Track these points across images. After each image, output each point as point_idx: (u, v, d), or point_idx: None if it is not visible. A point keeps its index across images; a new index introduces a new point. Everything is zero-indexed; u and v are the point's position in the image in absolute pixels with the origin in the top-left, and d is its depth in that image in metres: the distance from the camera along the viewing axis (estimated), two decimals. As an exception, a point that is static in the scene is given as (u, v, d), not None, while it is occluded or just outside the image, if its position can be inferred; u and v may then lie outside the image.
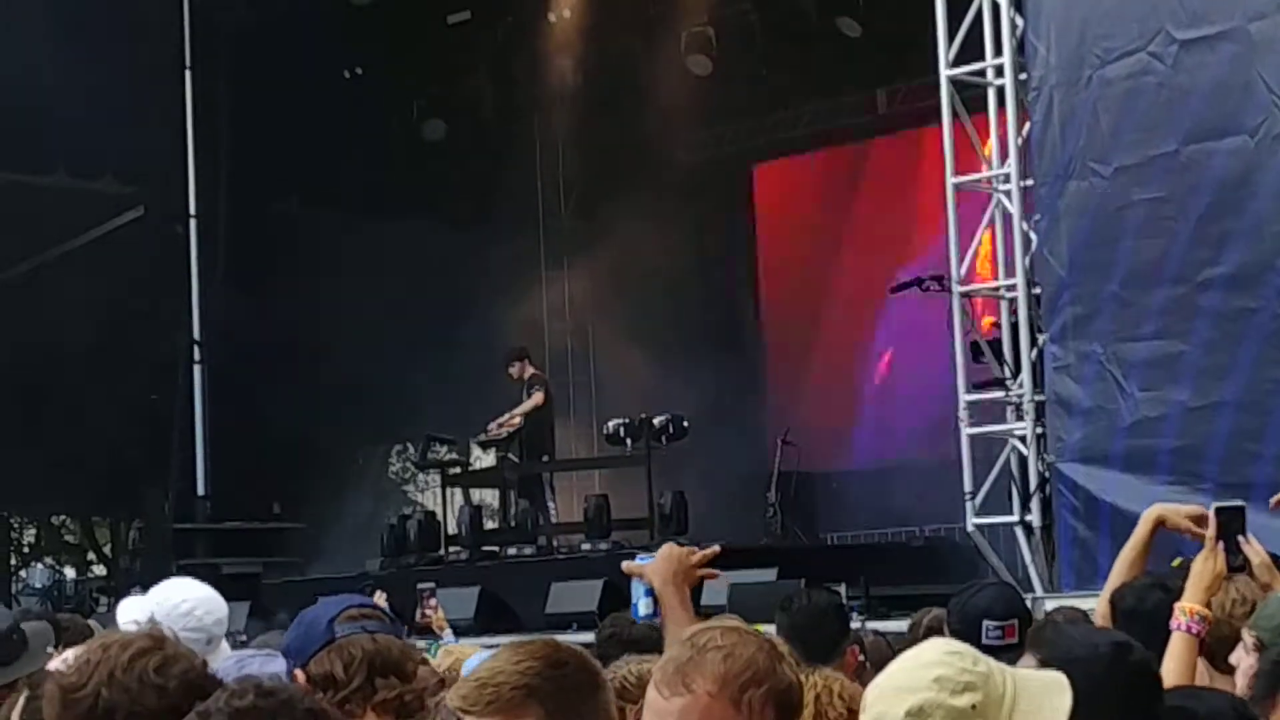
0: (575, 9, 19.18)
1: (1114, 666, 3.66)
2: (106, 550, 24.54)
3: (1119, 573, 5.45)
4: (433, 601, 8.99)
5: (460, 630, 10.72)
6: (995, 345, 12.34)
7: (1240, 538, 4.94)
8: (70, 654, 3.44)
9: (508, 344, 18.05)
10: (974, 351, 12.42)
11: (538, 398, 16.58)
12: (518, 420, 16.60)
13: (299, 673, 3.64)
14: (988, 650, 4.88)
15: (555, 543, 15.96)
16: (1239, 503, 5.06)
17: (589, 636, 7.86)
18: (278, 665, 4.45)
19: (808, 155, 20.08)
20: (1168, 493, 9.95)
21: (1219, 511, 4.98)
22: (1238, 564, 4.93)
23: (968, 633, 5.03)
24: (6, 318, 17.91)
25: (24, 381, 17.90)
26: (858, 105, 19.31)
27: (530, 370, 16.90)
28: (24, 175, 18.37)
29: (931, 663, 2.54)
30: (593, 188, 20.24)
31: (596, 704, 2.97)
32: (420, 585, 9.25)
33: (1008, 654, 4.89)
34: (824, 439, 17.91)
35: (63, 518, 25.46)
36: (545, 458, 16.82)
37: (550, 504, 16.72)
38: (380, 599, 9.36)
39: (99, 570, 24.30)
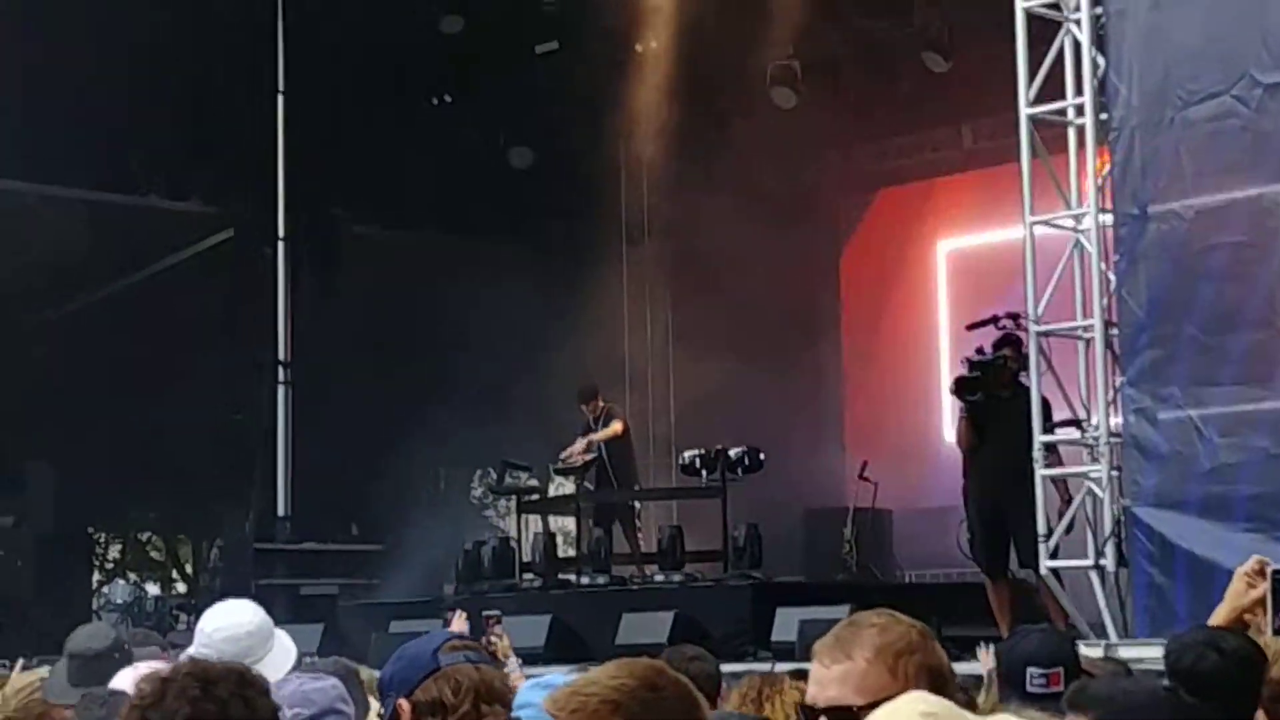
0: (662, 40, 19.24)
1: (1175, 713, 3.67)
2: (188, 568, 24.77)
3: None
4: (498, 629, 9.02)
5: (530, 658, 10.74)
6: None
7: None
8: (142, 671, 3.44)
9: (590, 371, 18.12)
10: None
11: (616, 426, 16.62)
12: (592, 450, 16.66)
13: (403, 703, 3.69)
14: (1031, 698, 4.87)
15: (629, 573, 15.97)
16: None
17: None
18: (324, 684, 4.51)
19: (892, 189, 20.05)
20: (1245, 540, 9.84)
21: (1275, 575, 4.93)
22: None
23: (1012, 679, 5.01)
24: (98, 336, 18.15)
25: (113, 399, 18.12)
26: (942, 140, 19.26)
27: (603, 404, 16.96)
28: (118, 196, 18.63)
29: None
30: (676, 217, 20.26)
31: None
32: (486, 612, 9.29)
33: (1052, 702, 4.87)
34: (902, 475, 17.83)
35: (147, 535, 25.73)
36: (636, 487, 16.90)
37: (639, 535, 16.75)
38: (459, 621, 9.39)
39: (180, 588, 24.53)
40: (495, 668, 3.83)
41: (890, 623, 3.19)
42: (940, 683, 3.11)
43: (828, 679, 3.13)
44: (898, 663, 3.10)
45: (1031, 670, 4.95)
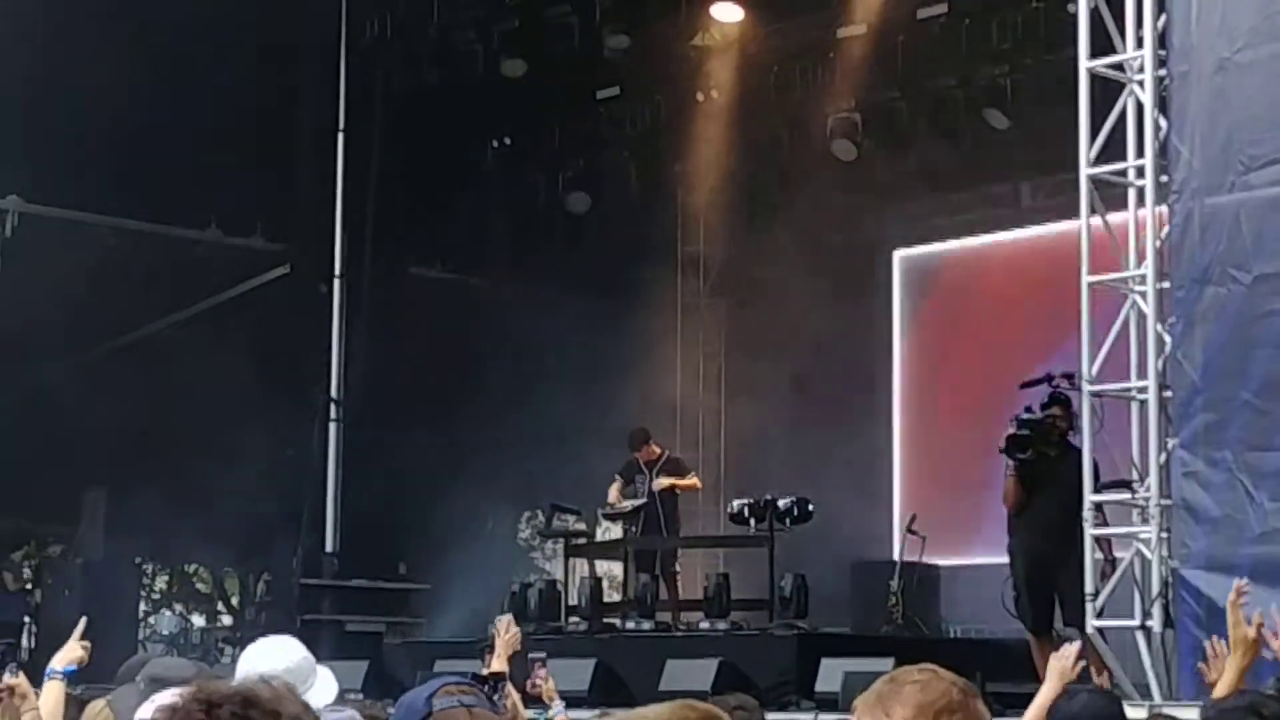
0: (723, 89, 19.33)
1: None
2: (234, 601, 24.86)
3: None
4: (543, 671, 9.03)
5: (574, 702, 10.74)
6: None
7: None
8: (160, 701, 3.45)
9: (641, 416, 18.17)
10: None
11: (695, 480, 16.69)
12: (640, 496, 16.70)
13: None
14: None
15: (675, 619, 15.97)
16: None
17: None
18: (344, 714, 4.54)
19: (950, 244, 20.07)
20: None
21: None
22: None
23: None
24: (155, 368, 18.28)
25: (166, 430, 18.24)
26: (1001, 197, 19.29)
27: (658, 450, 16.96)
28: (178, 229, 18.80)
29: None
30: (732, 266, 20.34)
31: None
32: (532, 655, 9.30)
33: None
34: (951, 530, 17.80)
35: (195, 566, 25.84)
36: (676, 535, 16.92)
37: (677, 578, 16.75)
38: (498, 662, 9.46)
39: (226, 620, 24.61)
40: (493, 709, 3.81)
41: (932, 679, 3.15)
42: None
43: None
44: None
45: None
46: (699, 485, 16.77)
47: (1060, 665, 6.22)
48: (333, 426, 19.55)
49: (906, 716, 3.08)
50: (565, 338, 19.86)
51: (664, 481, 16.61)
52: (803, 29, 18.53)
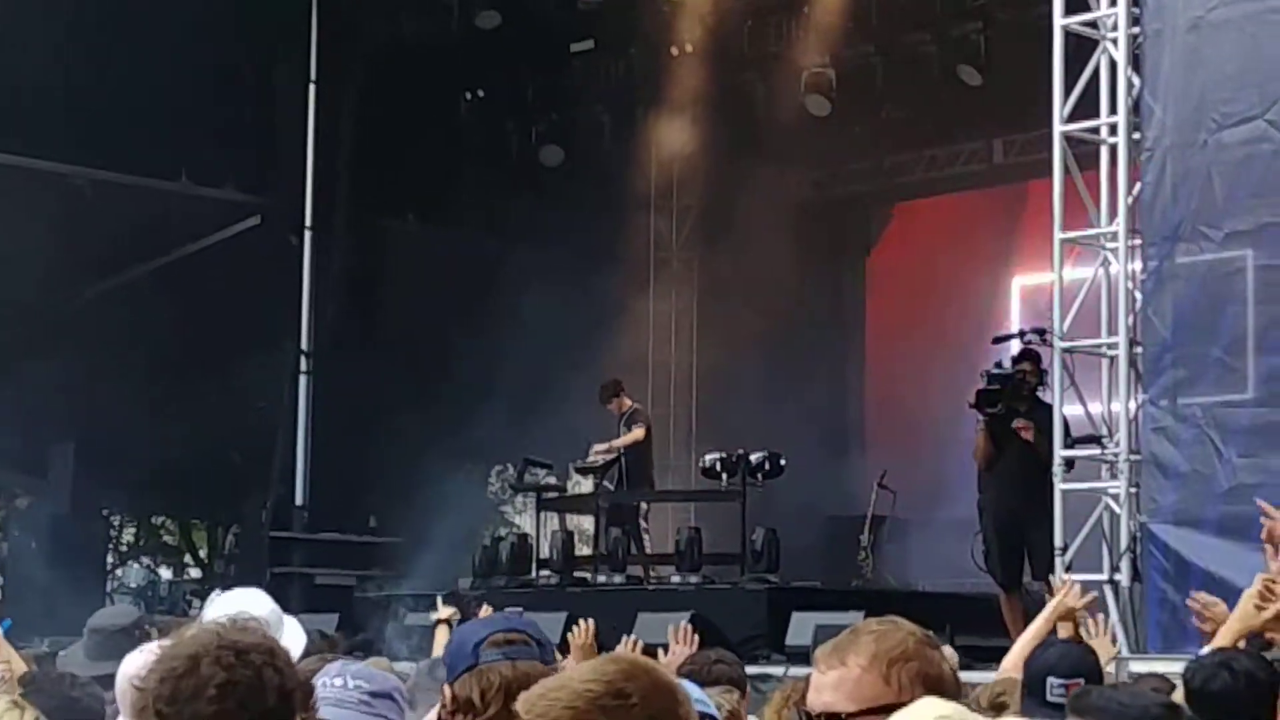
0: (697, 44, 19.29)
1: None
2: (203, 554, 24.85)
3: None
4: None
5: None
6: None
7: None
8: (147, 656, 3.45)
9: (613, 370, 18.20)
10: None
11: (639, 432, 16.72)
12: (613, 452, 16.77)
13: (446, 689, 3.71)
14: (1052, 707, 4.96)
15: (646, 573, 16.02)
16: None
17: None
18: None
19: (921, 200, 20.09)
20: (1261, 560, 9.88)
21: None
22: None
23: (1034, 689, 5.12)
24: (124, 320, 18.21)
25: (134, 382, 18.18)
26: (974, 154, 19.30)
27: (629, 403, 17.05)
28: (149, 180, 18.70)
29: None
30: (704, 221, 20.33)
31: None
32: (508, 609, 9.35)
33: (1073, 712, 4.97)
34: (921, 484, 17.88)
35: (162, 519, 25.80)
36: (646, 489, 16.96)
37: (645, 535, 16.81)
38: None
39: (194, 573, 24.61)
40: (544, 660, 3.74)
41: (890, 630, 3.19)
42: (938, 691, 3.10)
43: (823, 685, 3.16)
44: (891, 670, 3.11)
45: (1052, 680, 5.06)
46: (639, 437, 16.76)
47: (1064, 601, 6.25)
48: (303, 379, 19.52)
49: (861, 664, 3.12)
50: (537, 290, 19.82)
51: (615, 443, 16.68)
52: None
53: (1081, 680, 5.07)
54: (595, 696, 2.88)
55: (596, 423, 17.67)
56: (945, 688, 3.14)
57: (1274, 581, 5.60)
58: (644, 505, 17.05)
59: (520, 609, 9.72)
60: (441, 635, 9.51)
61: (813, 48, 18.60)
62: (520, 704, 2.98)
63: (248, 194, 19.57)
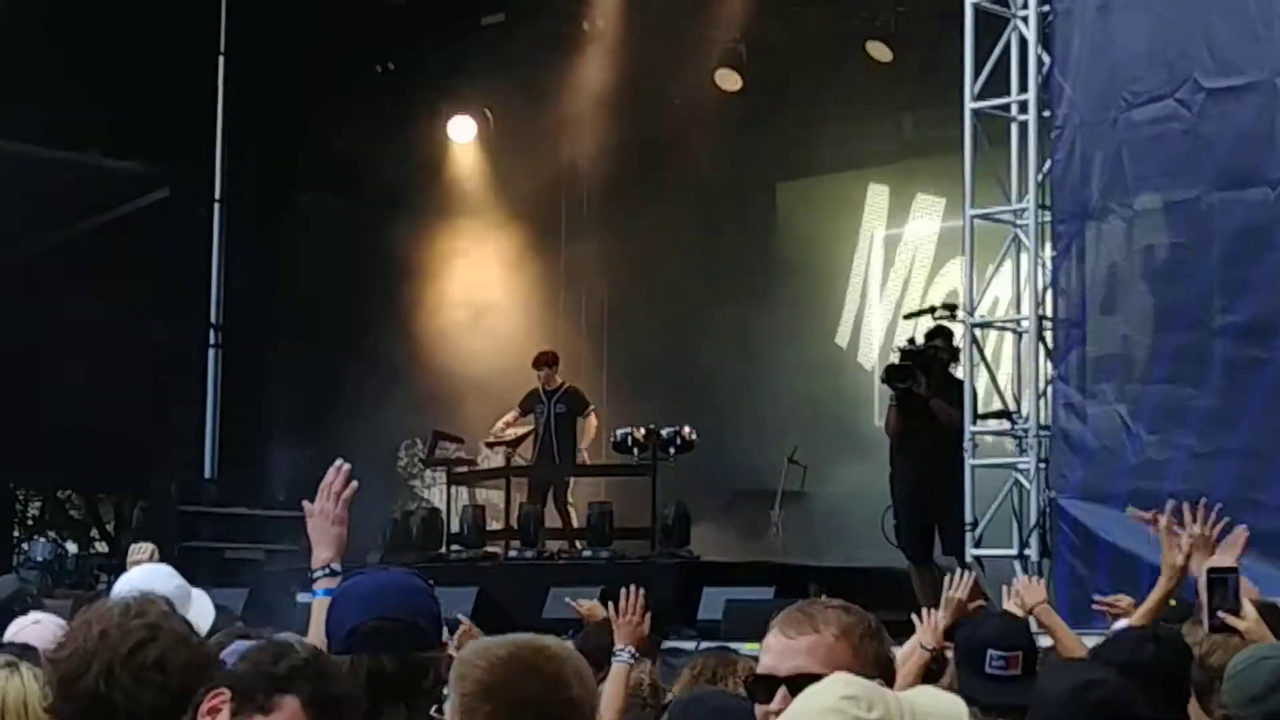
0: (610, 17, 19.25)
1: (1070, 708, 3.80)
2: (110, 528, 24.63)
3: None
4: None
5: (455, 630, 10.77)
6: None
7: (1231, 603, 5.04)
8: (58, 629, 3.44)
9: (521, 344, 18.19)
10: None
11: (594, 421, 16.72)
12: (525, 424, 16.77)
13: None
14: (990, 679, 5.01)
15: (558, 548, 16.02)
16: (1231, 566, 5.14)
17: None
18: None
19: (831, 176, 20.12)
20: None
21: (1211, 571, 5.08)
22: (1218, 624, 5.04)
23: (972, 661, 5.16)
24: (29, 292, 18.01)
25: (39, 355, 17.99)
26: (883, 130, 19.35)
27: (559, 379, 17.01)
28: (57, 151, 18.48)
29: (827, 709, 2.38)
30: (616, 195, 20.30)
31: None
32: None
33: (1012, 685, 5.03)
34: (833, 459, 17.98)
35: (68, 493, 25.56)
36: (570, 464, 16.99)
37: (570, 509, 16.80)
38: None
39: (101, 547, 24.39)
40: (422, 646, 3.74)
41: (851, 607, 3.28)
42: (889, 674, 3.21)
43: (792, 649, 3.18)
44: (861, 644, 3.17)
45: (991, 653, 5.10)
46: (593, 426, 16.82)
47: (954, 596, 6.34)
48: (211, 352, 19.39)
49: (834, 633, 3.17)
50: (447, 266, 19.80)
51: (582, 445, 16.69)
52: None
53: (1020, 653, 5.14)
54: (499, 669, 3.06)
55: (507, 397, 17.64)
56: (890, 672, 3.24)
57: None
58: (571, 481, 17.04)
59: (432, 580, 9.71)
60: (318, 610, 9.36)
61: (725, 23, 18.61)
62: (454, 668, 3.08)
63: (157, 166, 19.38)
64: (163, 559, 7.91)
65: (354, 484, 4.51)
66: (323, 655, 3.28)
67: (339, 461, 4.65)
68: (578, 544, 15.83)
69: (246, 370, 19.11)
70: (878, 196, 19.56)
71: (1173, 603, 7.17)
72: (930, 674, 6.15)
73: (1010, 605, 6.74)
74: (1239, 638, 5.17)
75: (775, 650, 3.22)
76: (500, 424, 16.96)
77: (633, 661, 6.03)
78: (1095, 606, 7.35)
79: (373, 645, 3.65)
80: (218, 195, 19.28)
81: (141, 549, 7.72)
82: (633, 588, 6.39)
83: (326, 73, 18.97)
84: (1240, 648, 4.89)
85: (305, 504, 4.62)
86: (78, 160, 18.59)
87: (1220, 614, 5.12)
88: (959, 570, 6.97)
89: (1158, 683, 4.62)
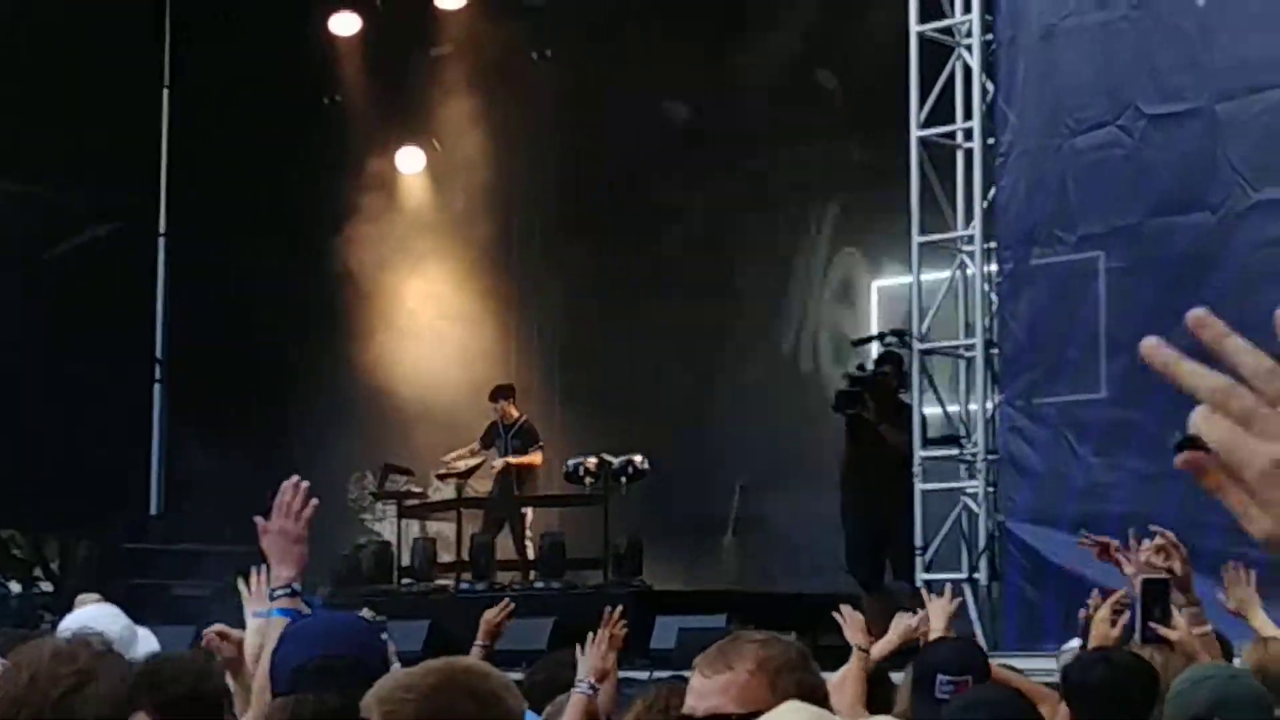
0: (556, 49, 19.33)
1: None
2: (54, 567, 24.43)
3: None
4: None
5: (409, 663, 10.74)
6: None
7: (1164, 613, 5.09)
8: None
9: (471, 375, 18.18)
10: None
11: (537, 457, 16.75)
12: (477, 456, 16.78)
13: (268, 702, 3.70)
14: (941, 704, 5.04)
15: (510, 579, 15.99)
16: (1164, 576, 5.18)
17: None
18: None
19: (781, 203, 20.14)
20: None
21: (1145, 584, 5.13)
22: (1151, 636, 5.08)
23: (923, 686, 5.20)
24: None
25: (-16, 392, 17.89)
26: (831, 158, 19.40)
27: (515, 412, 17.04)
28: (3, 185, 18.41)
29: None
30: (567, 223, 20.29)
31: None
32: (376, 617, 9.33)
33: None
34: (784, 487, 18.01)
35: (11, 532, 25.35)
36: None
37: (528, 543, 16.77)
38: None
39: (46, 586, 24.18)
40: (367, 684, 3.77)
41: (772, 639, 3.26)
42: (816, 703, 3.15)
43: (708, 689, 3.19)
44: (777, 678, 3.16)
45: (941, 678, 5.13)
46: (537, 462, 16.83)
47: (905, 623, 6.37)
48: (157, 387, 19.30)
49: (749, 670, 3.16)
50: (396, 297, 19.76)
51: (511, 461, 16.70)
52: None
53: (970, 678, 5.17)
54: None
55: (458, 429, 17.63)
56: (821, 701, 3.20)
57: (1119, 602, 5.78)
58: (529, 514, 17.02)
59: (384, 618, 9.68)
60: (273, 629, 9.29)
61: (672, 51, 18.66)
62: (373, 697, 3.10)
63: (102, 201, 19.31)
64: (109, 597, 7.87)
65: (314, 501, 4.47)
66: (161, 661, 3.28)
67: (295, 478, 4.59)
68: (526, 576, 15.81)
69: (192, 405, 19.03)
70: (827, 224, 19.62)
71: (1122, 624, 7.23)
72: (875, 681, 6.19)
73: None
74: (1170, 648, 5.22)
75: (694, 690, 3.23)
76: (453, 455, 16.96)
77: (591, 693, 6.04)
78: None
79: (317, 684, 3.64)
80: (163, 229, 19.23)
81: (88, 598, 7.70)
82: (617, 609, 6.42)
83: (272, 105, 18.93)
84: (1181, 668, 4.94)
85: (259, 520, 4.54)
86: (21, 194, 18.51)
87: (1151, 625, 5.17)
88: (947, 592, 6.99)
89: (1107, 703, 4.66)
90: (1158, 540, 5.67)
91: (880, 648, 6.29)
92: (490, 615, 7.80)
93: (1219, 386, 1.51)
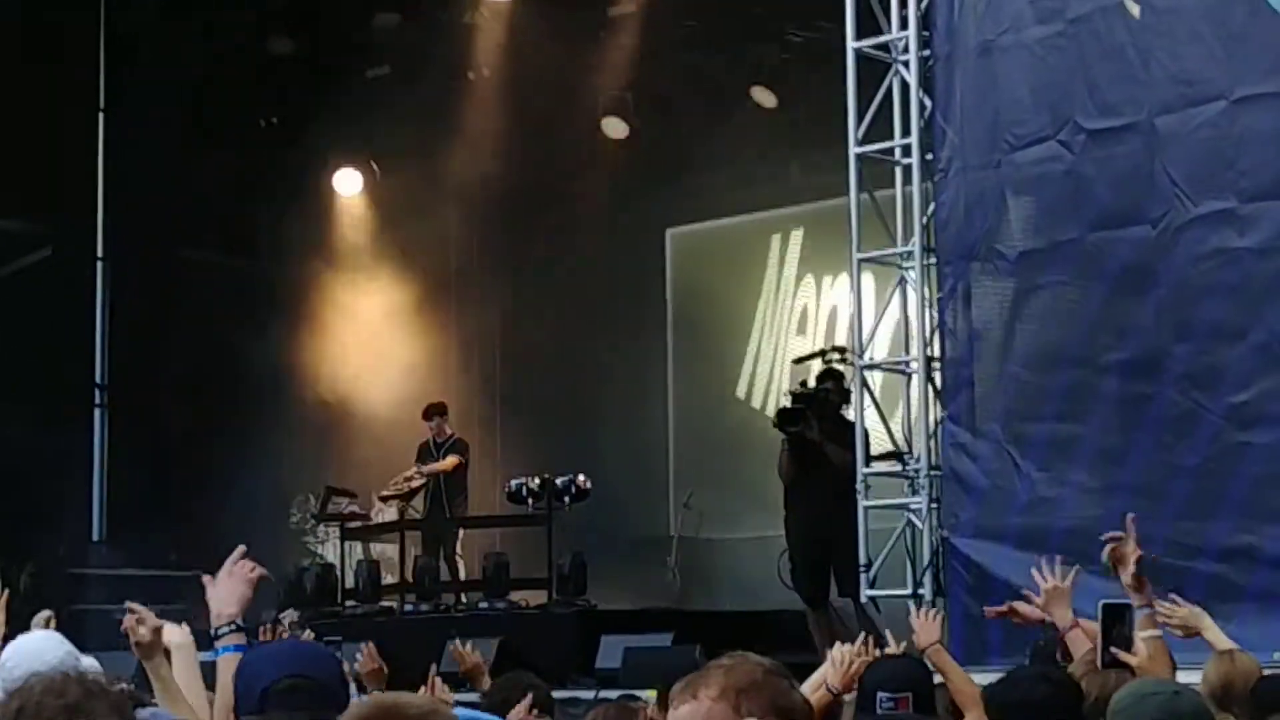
0: (495, 67, 19.29)
1: None
2: (-3, 592, 24.24)
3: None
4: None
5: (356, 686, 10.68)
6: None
7: (1125, 638, 5.11)
8: None
9: (413, 396, 18.13)
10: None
11: (452, 461, 16.70)
12: (418, 479, 16.73)
13: None
14: (881, 720, 5.04)
15: (454, 600, 15.94)
16: (1126, 601, 5.20)
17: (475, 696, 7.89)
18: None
19: (720, 222, 20.18)
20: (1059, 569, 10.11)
21: (1105, 609, 5.14)
22: (1109, 660, 5.11)
23: (864, 703, 5.22)
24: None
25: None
26: (771, 176, 19.45)
27: (449, 430, 17.03)
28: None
29: None
30: (504, 244, 20.30)
31: None
32: (328, 638, 9.31)
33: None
34: (727, 505, 18.03)
35: (-48, 559, 25.15)
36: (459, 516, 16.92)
37: (459, 562, 16.75)
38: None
39: (-11, 611, 23.98)
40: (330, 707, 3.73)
41: (739, 662, 3.28)
42: (790, 718, 3.22)
43: (677, 719, 3.24)
44: (740, 699, 3.18)
45: (881, 695, 5.16)
46: (447, 467, 16.78)
47: (841, 656, 6.22)
48: (97, 412, 19.18)
49: (712, 696, 3.19)
50: (336, 318, 19.68)
51: (423, 469, 16.67)
52: (573, 6, 18.53)
53: (910, 695, 5.18)
54: None
55: (400, 450, 17.56)
56: (797, 715, 3.26)
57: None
58: (460, 533, 16.99)
59: (340, 638, 9.63)
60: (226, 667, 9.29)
61: (610, 70, 18.68)
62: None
63: (38, 225, 19.16)
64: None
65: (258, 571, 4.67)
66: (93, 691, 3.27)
67: (241, 548, 4.85)
68: (470, 596, 15.77)
69: (133, 430, 18.91)
70: (766, 242, 19.65)
71: (1040, 641, 7.29)
72: (830, 715, 6.16)
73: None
74: (1131, 673, 5.23)
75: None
76: (400, 478, 16.92)
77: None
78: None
79: (286, 704, 3.67)
80: (100, 253, 19.12)
81: (40, 617, 7.63)
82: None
83: (209, 127, 18.83)
84: (1118, 683, 4.95)
85: (205, 578, 4.80)
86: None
87: (1112, 649, 5.19)
88: (919, 609, 7.06)
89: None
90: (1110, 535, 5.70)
91: (846, 679, 6.19)
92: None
93: None
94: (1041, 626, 6.87)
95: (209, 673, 4.64)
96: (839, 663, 6.04)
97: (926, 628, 6.83)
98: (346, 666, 8.43)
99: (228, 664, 4.21)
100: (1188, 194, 10.56)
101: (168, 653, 4.98)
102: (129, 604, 4.90)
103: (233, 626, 4.49)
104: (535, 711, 6.39)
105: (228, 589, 4.53)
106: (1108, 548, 6.37)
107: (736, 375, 19.31)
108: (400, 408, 18.21)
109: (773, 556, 13.87)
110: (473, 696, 7.12)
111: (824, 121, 13.98)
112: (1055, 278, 11.19)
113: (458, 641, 8.72)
